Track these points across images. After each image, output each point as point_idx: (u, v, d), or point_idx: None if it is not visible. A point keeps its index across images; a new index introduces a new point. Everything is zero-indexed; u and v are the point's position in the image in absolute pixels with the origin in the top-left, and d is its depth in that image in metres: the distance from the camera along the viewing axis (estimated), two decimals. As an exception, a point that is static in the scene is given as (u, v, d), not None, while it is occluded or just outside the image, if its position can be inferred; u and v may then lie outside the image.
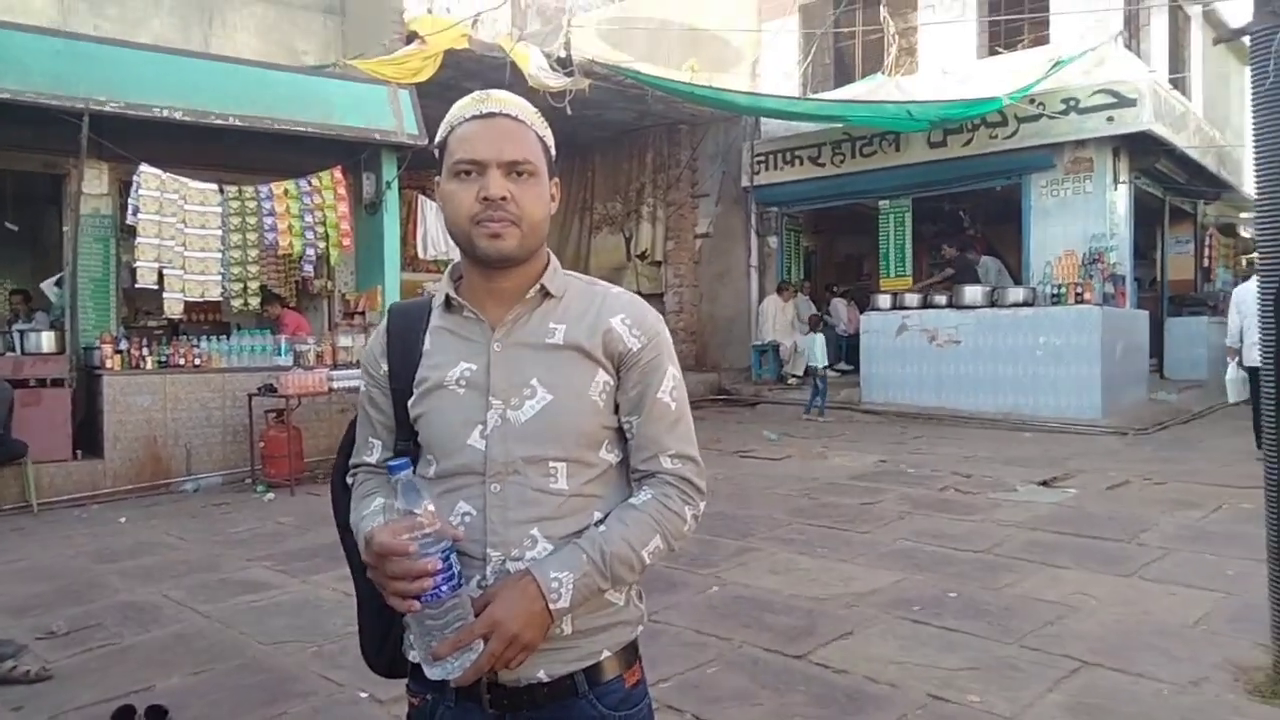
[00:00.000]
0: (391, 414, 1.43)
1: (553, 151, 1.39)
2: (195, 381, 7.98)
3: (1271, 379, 3.82)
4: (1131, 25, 12.16)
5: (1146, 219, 12.99)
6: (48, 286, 8.58)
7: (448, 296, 1.40)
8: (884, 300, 11.91)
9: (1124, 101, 10.66)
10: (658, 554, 1.34)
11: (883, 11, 12.87)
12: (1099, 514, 5.95)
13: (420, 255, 11.10)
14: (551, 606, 1.22)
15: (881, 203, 12.78)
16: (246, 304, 8.52)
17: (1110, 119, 10.75)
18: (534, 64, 10.50)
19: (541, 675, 1.28)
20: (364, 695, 3.30)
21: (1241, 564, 4.61)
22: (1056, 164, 11.28)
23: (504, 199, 1.28)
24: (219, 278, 8.21)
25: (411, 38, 9.89)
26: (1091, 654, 3.56)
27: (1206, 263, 14.69)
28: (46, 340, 7.54)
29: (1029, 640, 3.74)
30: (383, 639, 1.42)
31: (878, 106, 11.55)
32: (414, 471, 1.27)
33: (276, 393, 7.64)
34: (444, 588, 1.17)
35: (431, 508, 1.20)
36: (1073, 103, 10.95)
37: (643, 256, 14.76)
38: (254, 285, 8.51)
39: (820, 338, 11.83)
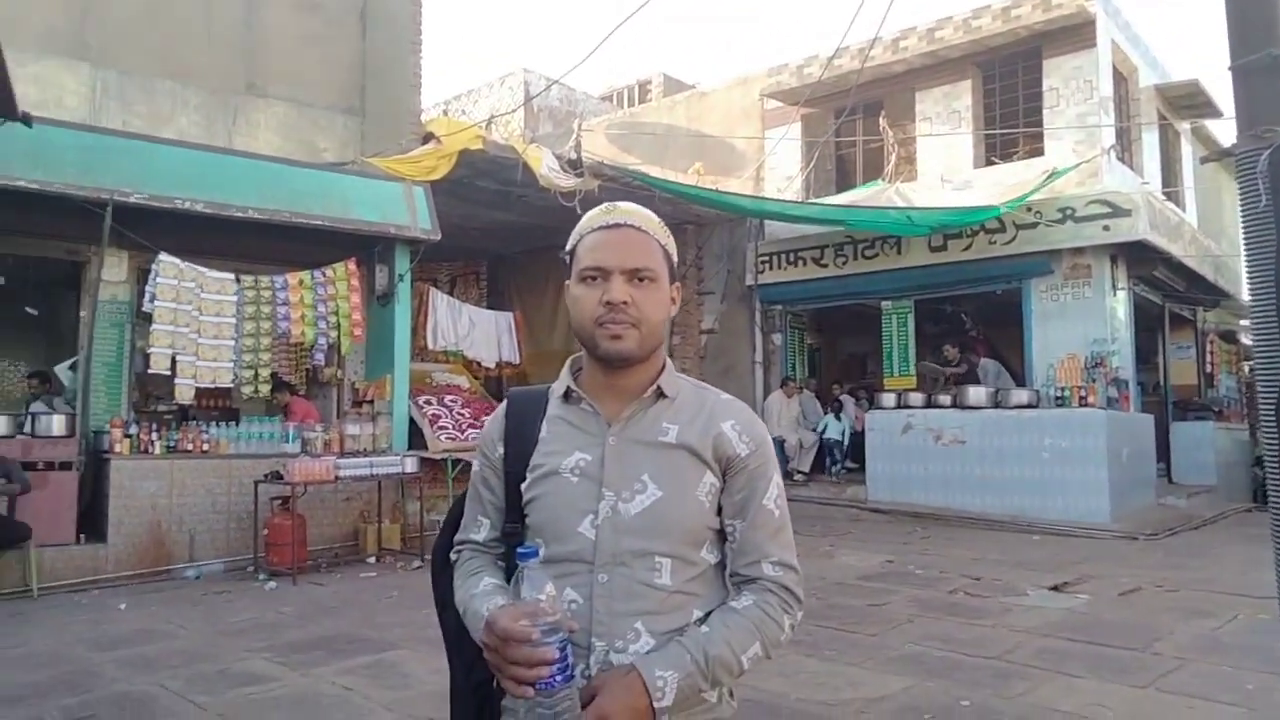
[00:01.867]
0: (503, 495, 1.47)
1: (675, 259, 1.48)
2: (202, 467, 7.98)
3: (1277, 486, 3.84)
4: (1123, 139, 12.59)
5: (1147, 324, 13.17)
6: (62, 370, 8.67)
7: (567, 388, 1.46)
8: (888, 399, 11.95)
9: (1119, 212, 10.91)
10: (755, 660, 1.36)
11: (882, 122, 13.35)
12: (1112, 621, 5.86)
13: (429, 346, 11.24)
14: (655, 704, 1.24)
15: (884, 303, 12.95)
16: (257, 391, 8.60)
17: (1106, 228, 10.98)
18: (545, 165, 10.83)
19: None
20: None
21: (1260, 677, 4.53)
22: (1055, 270, 11.47)
23: (625, 303, 1.36)
24: (231, 365, 8.31)
25: (428, 138, 10.24)
26: (1111, 767, 3.47)
27: (1209, 368, 14.79)
28: (57, 423, 7.53)
29: (1046, 751, 3.65)
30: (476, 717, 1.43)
31: (878, 212, 11.83)
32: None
33: (283, 480, 7.62)
34: (558, 678, 1.18)
35: (554, 592, 1.23)
36: (1069, 211, 11.21)
37: (648, 351, 14.88)
38: (265, 373, 8.60)
39: (845, 419, 12.85)
